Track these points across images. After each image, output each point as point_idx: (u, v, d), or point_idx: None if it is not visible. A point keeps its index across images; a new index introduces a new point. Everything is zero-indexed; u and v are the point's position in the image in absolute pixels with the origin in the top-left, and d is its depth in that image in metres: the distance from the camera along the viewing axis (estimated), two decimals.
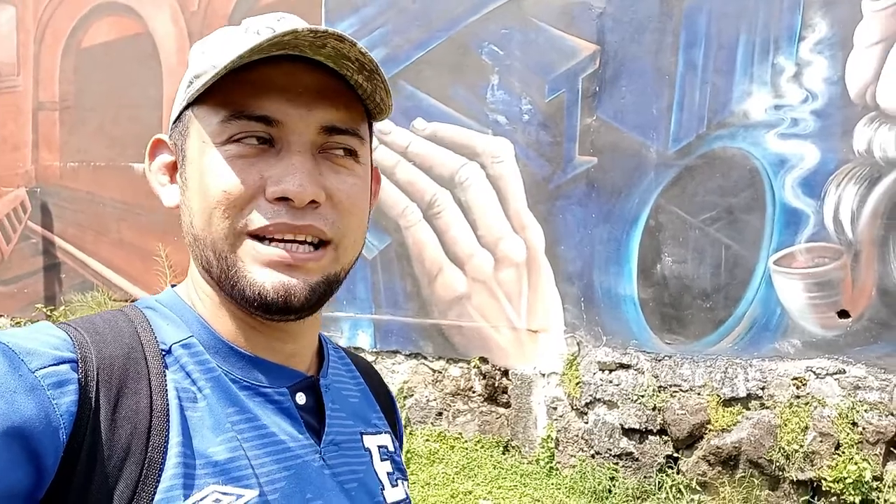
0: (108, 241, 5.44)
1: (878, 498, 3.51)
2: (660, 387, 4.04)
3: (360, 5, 4.72)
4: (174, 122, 0.75)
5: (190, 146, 0.71)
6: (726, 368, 3.95)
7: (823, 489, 3.61)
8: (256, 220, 0.68)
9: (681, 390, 3.99)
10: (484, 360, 4.50)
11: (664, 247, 4.10)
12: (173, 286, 0.79)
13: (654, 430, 3.99)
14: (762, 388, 3.86)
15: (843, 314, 3.78)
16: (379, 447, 0.84)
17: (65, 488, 0.59)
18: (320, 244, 0.71)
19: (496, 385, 4.47)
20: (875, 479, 3.53)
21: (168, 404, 0.65)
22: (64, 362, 0.62)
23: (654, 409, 4.00)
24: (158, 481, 0.61)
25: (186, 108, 0.72)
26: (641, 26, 4.10)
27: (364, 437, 0.82)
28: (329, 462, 0.75)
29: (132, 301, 0.75)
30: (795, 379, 3.82)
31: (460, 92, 4.51)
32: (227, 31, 0.73)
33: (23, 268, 5.74)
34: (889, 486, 3.51)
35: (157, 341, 0.69)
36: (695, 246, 4.04)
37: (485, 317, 4.48)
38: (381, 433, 0.86)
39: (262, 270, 0.68)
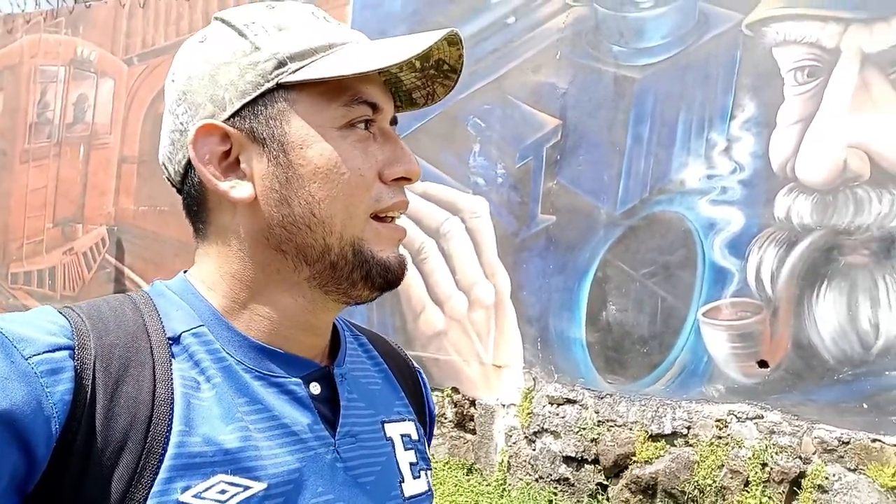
0: (165, 273, 6.07)
1: None
2: (599, 421, 4.20)
3: None
4: (244, 106, 0.66)
5: (295, 132, 0.66)
6: (657, 408, 4.08)
7: None
8: (383, 200, 0.68)
9: (616, 425, 4.14)
10: (455, 390, 4.76)
11: (609, 296, 4.31)
12: (185, 272, 0.74)
13: (589, 460, 4.14)
14: (688, 428, 3.97)
15: (763, 364, 3.87)
16: (402, 435, 0.78)
17: (60, 477, 0.56)
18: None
19: (465, 413, 4.72)
20: None
21: (173, 393, 0.61)
22: (60, 349, 0.58)
23: (591, 440, 4.15)
24: (158, 471, 0.57)
25: (271, 91, 0.66)
26: (598, 105, 4.41)
27: (386, 425, 0.77)
28: (344, 455, 0.69)
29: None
30: (718, 420, 3.91)
31: (449, 157, 4.91)
32: (288, 11, 0.68)
33: (98, 292, 6.43)
34: None
35: (163, 329, 0.65)
36: (635, 297, 4.23)
37: (458, 351, 4.77)
38: (404, 420, 0.80)
39: (387, 248, 0.68)
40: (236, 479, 0.60)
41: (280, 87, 0.65)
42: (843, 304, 3.65)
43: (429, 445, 0.86)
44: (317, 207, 0.66)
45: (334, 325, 0.79)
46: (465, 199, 4.80)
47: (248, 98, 0.66)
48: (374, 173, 0.67)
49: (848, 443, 3.57)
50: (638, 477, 3.90)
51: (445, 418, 4.79)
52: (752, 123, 3.96)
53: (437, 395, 4.84)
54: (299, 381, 0.69)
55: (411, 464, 0.77)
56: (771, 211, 3.87)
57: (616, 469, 4.01)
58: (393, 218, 0.70)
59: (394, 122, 0.72)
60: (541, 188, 4.56)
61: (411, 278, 4.93)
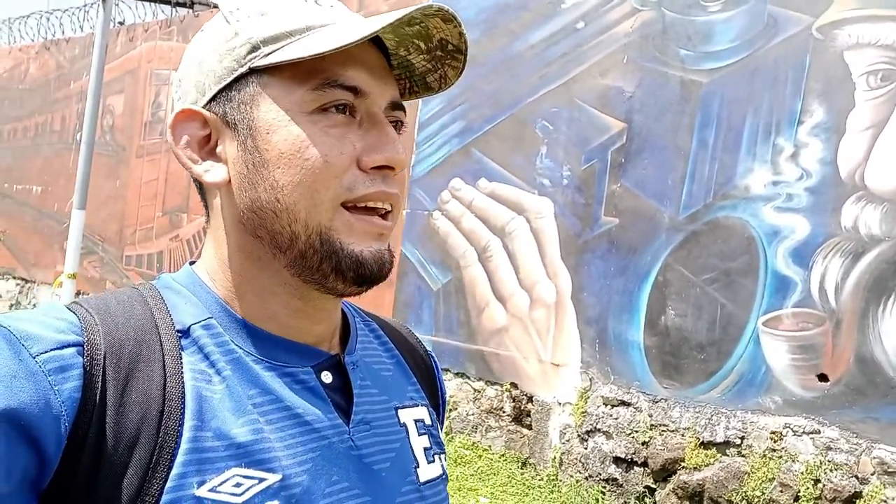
0: None
1: None
2: (651, 425, 4.16)
3: None
4: (219, 91, 0.66)
5: (262, 116, 0.64)
6: (711, 415, 4.00)
7: None
8: (357, 189, 0.64)
9: (668, 430, 4.09)
10: (514, 385, 4.83)
11: (669, 301, 4.25)
12: (192, 263, 0.73)
13: (639, 462, 4.11)
14: (741, 438, 3.87)
15: (823, 378, 3.72)
16: (415, 421, 0.77)
17: (73, 474, 0.55)
18: (386, 213, 0.67)
19: (522, 408, 4.78)
20: None
21: (184, 387, 0.60)
22: (68, 346, 0.57)
23: (643, 443, 4.12)
24: (171, 466, 0.56)
25: (244, 75, 0.64)
26: (663, 108, 4.35)
27: (399, 411, 0.76)
28: (358, 442, 0.68)
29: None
30: (773, 433, 3.80)
31: (517, 159, 4.98)
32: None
33: None
34: None
35: (172, 322, 0.64)
36: (695, 302, 4.16)
37: (518, 348, 4.84)
38: (417, 406, 0.79)
39: (359, 241, 0.64)
40: (251, 472, 0.59)
41: (253, 71, 0.64)
42: None
43: (441, 428, 0.84)
44: (280, 193, 0.63)
45: (343, 313, 0.77)
46: (531, 199, 4.85)
47: (224, 83, 0.65)
48: (348, 160, 0.63)
49: None
50: (685, 483, 3.85)
51: (504, 412, 4.87)
52: (821, 129, 3.80)
53: (496, 389, 4.93)
54: (310, 370, 0.68)
55: (425, 448, 0.76)
56: (838, 220, 3.71)
57: (664, 473, 3.98)
58: (375, 209, 0.65)
59: (395, 107, 0.68)
60: (605, 191, 4.55)
61: (477, 276, 5.04)
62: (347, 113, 0.64)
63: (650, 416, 4.18)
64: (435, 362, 0.90)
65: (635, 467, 4.12)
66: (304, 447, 0.63)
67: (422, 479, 0.74)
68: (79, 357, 0.57)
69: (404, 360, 0.83)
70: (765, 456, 3.76)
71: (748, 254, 3.98)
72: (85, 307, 0.62)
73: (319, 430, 0.65)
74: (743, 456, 3.83)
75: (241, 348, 0.65)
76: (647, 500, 4.01)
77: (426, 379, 0.85)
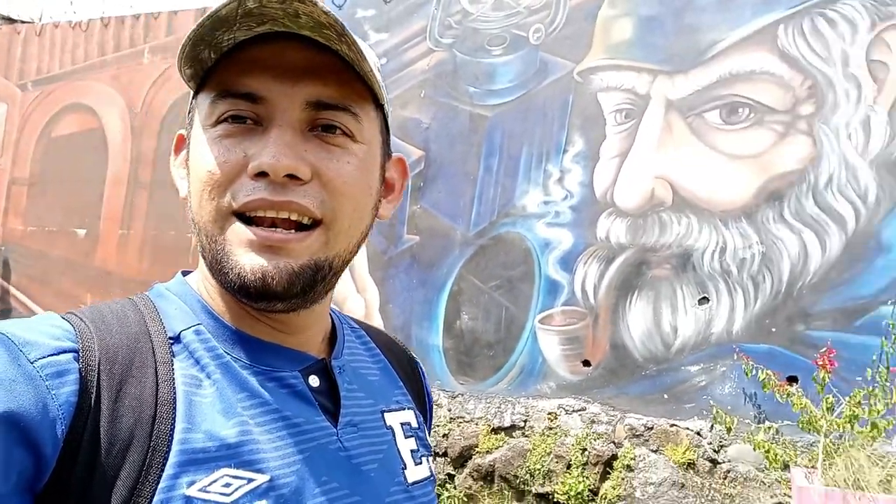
0: (51, 292, 6.23)
1: None
2: (451, 418, 4.67)
3: None
4: (188, 112, 0.71)
5: (192, 134, 0.68)
6: (500, 404, 4.59)
7: (556, 500, 4.19)
8: (238, 197, 0.63)
9: (464, 420, 4.62)
10: None
11: (462, 307, 4.83)
12: (185, 273, 0.75)
13: (440, 453, 4.60)
14: (525, 421, 4.49)
15: (586, 363, 4.46)
16: (402, 424, 0.79)
17: (68, 476, 0.56)
18: (310, 225, 0.65)
19: None
20: (591, 492, 4.12)
21: (175, 392, 0.61)
22: (64, 352, 0.58)
23: (443, 436, 4.62)
24: (163, 468, 0.58)
25: (195, 96, 0.68)
26: (455, 139, 4.99)
27: (385, 414, 0.77)
28: (346, 444, 0.70)
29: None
30: (550, 413, 4.45)
31: None
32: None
33: None
34: (602, 498, 4.09)
35: (164, 329, 0.66)
36: (484, 307, 4.77)
37: None
38: (403, 409, 0.81)
39: (243, 253, 0.63)
40: (239, 472, 0.60)
41: (196, 92, 0.67)
42: (650, 311, 4.29)
43: (429, 432, 0.86)
44: (192, 204, 0.66)
45: (332, 319, 0.79)
46: None
47: (189, 107, 0.70)
48: (235, 169, 0.63)
49: (651, 428, 4.17)
50: (479, 465, 4.38)
51: None
52: (581, 157, 4.61)
53: None
54: (297, 374, 0.69)
55: (412, 451, 0.78)
56: (594, 232, 4.50)
57: (462, 459, 4.48)
58: (263, 222, 0.64)
59: (322, 107, 0.65)
60: (406, 211, 5.07)
61: None
62: (249, 121, 0.64)
63: (449, 410, 4.69)
64: (420, 368, 0.93)
65: (438, 458, 4.59)
66: (292, 448, 0.65)
67: (410, 480, 0.75)
68: (75, 363, 0.58)
69: (391, 365, 0.85)
70: (544, 434, 4.39)
71: (525, 263, 4.67)
72: (78, 316, 0.63)
73: (308, 432, 0.67)
74: (526, 436, 4.44)
75: (229, 353, 0.67)
76: (447, 485, 4.48)
77: (412, 384, 0.87)
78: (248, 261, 0.63)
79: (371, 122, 0.69)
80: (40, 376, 0.56)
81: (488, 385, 4.68)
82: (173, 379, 0.62)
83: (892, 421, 3.23)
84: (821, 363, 3.55)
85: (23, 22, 7.31)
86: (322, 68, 0.65)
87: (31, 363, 0.56)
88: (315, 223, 0.65)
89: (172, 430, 0.60)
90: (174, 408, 0.61)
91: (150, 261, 5.78)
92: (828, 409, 3.33)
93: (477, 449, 4.45)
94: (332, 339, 0.78)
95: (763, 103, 4.14)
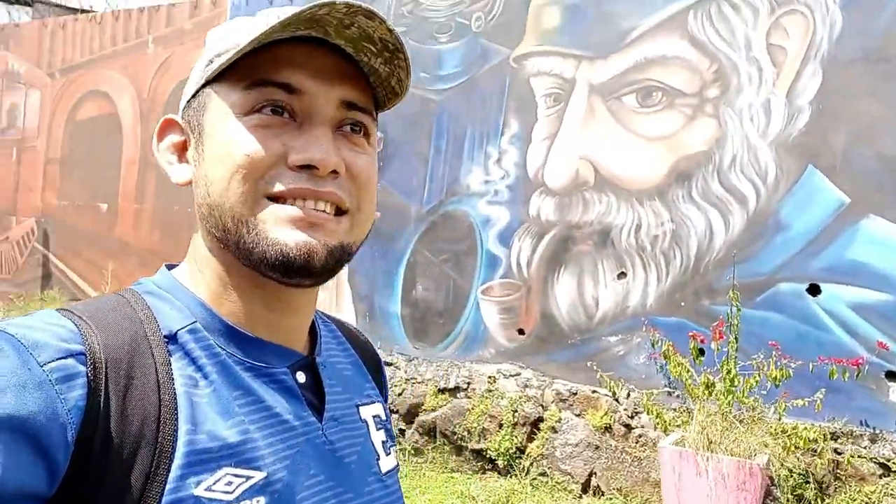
0: (81, 260, 7.12)
1: (520, 464, 4.60)
2: (406, 379, 5.23)
3: None
4: (188, 101, 0.72)
5: (208, 120, 0.68)
6: (447, 368, 5.11)
7: (488, 456, 4.71)
8: (278, 185, 0.65)
9: (416, 382, 5.18)
10: None
11: (418, 278, 5.32)
12: (169, 267, 0.75)
13: (394, 410, 5.19)
14: (468, 384, 5.00)
15: (521, 332, 4.89)
16: (373, 417, 0.82)
17: (79, 481, 0.56)
18: (338, 212, 0.69)
19: None
20: (519, 450, 4.62)
21: (175, 392, 0.63)
22: (71, 355, 0.59)
23: (398, 394, 5.20)
24: (170, 468, 0.59)
25: (203, 86, 0.69)
26: (409, 121, 5.38)
27: (360, 408, 0.80)
28: (330, 438, 0.73)
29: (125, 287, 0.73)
30: (490, 377, 4.94)
31: None
32: (244, 18, 0.70)
33: (30, 275, 7.49)
34: (527, 456, 4.59)
35: (159, 328, 0.66)
36: (435, 278, 5.25)
37: None
38: (374, 402, 0.84)
39: (284, 230, 0.65)
40: (239, 471, 0.63)
41: (209, 82, 0.69)
42: (575, 284, 4.66)
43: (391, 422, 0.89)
44: (211, 188, 0.67)
45: None
46: None
47: (189, 95, 0.71)
48: (274, 157, 0.65)
49: (576, 394, 4.60)
50: (424, 421, 4.95)
51: None
52: (516, 139, 4.93)
53: None
54: (286, 370, 0.72)
55: (383, 442, 0.81)
56: (527, 210, 4.86)
57: (411, 416, 5.06)
58: (303, 200, 0.66)
59: (352, 107, 0.69)
60: None
61: None
62: (285, 115, 0.66)
63: (406, 372, 5.25)
64: (381, 360, 0.95)
65: (393, 415, 5.18)
66: (284, 444, 0.67)
67: (383, 470, 0.79)
68: (81, 366, 0.58)
69: (359, 359, 0.87)
70: (483, 396, 4.90)
71: (470, 238, 5.09)
72: (79, 315, 0.63)
73: (297, 428, 0.69)
74: (468, 398, 4.96)
75: (224, 350, 0.68)
76: (399, 439, 5.09)
77: (377, 376, 0.89)
78: (290, 237, 0.65)
79: (375, 129, 0.75)
80: (50, 381, 0.56)
81: (439, 350, 5.20)
82: (173, 379, 0.63)
83: (751, 384, 3.57)
84: (713, 335, 3.87)
85: (83, 11, 8.03)
86: (349, 74, 0.69)
87: (41, 367, 0.56)
88: (342, 212, 0.69)
89: (176, 430, 0.61)
90: (176, 408, 0.62)
91: (161, 233, 6.52)
92: (706, 382, 3.68)
93: (423, 407, 5.01)
94: (312, 334, 0.80)
95: (674, 87, 4.34)
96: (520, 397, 4.75)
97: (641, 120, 4.45)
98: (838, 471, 3.72)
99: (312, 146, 0.66)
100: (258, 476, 0.64)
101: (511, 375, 4.87)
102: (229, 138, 0.66)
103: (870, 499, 3.56)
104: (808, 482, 3.72)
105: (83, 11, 7.74)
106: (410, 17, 5.39)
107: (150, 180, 6.62)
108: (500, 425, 4.71)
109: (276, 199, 0.66)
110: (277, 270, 0.66)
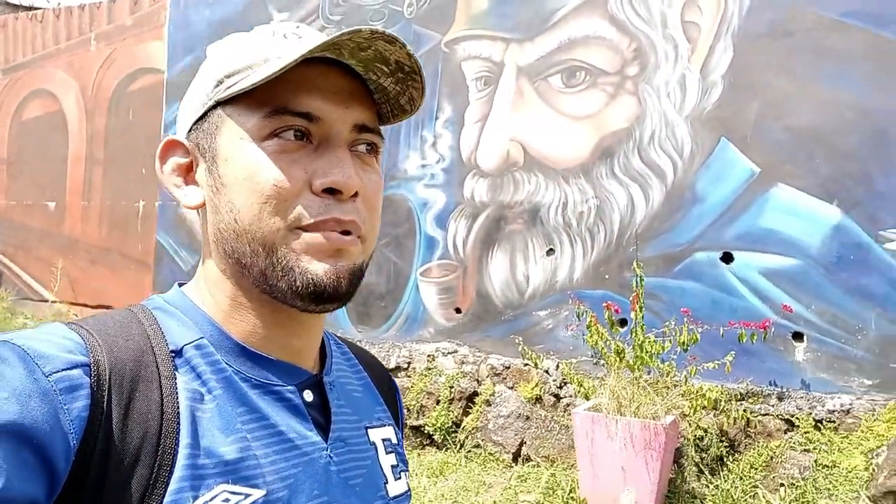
0: (32, 258, 7.13)
1: (456, 438, 4.72)
2: None
3: None
4: (195, 122, 0.71)
5: (223, 144, 0.68)
6: (389, 348, 5.22)
7: (426, 432, 4.83)
8: (307, 215, 0.66)
9: None
10: None
11: None
12: (181, 285, 0.76)
13: None
14: (409, 363, 5.11)
15: (458, 311, 5.01)
16: (383, 440, 0.82)
17: (79, 490, 0.57)
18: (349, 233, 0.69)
19: None
20: (455, 424, 4.74)
21: (178, 407, 0.63)
22: (76, 367, 0.59)
23: None
24: (168, 483, 0.60)
25: (214, 107, 0.69)
26: None
27: (369, 430, 0.80)
28: (336, 459, 0.73)
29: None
30: (429, 356, 5.06)
31: None
32: (249, 35, 0.70)
33: None
34: (462, 430, 4.71)
35: (166, 343, 0.67)
36: (377, 262, 5.35)
37: None
38: (385, 426, 0.84)
39: (311, 260, 0.66)
40: (237, 488, 0.63)
41: (219, 103, 0.69)
42: (507, 262, 4.80)
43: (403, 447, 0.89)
44: (238, 215, 0.67)
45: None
46: None
47: (197, 116, 0.71)
48: (300, 184, 0.66)
49: (509, 367, 4.73)
50: None
51: None
52: (450, 123, 5.06)
53: None
54: (294, 389, 0.72)
55: (392, 466, 0.81)
56: (462, 192, 4.98)
57: None
58: (329, 227, 0.67)
59: (364, 130, 0.70)
60: None
61: None
62: (304, 139, 0.67)
63: None
64: (395, 384, 0.94)
65: None
66: (287, 463, 0.67)
67: (391, 495, 0.78)
68: (86, 377, 0.59)
69: (372, 382, 0.87)
70: (422, 374, 5.01)
71: (409, 221, 5.21)
72: (85, 328, 0.64)
73: (301, 447, 0.69)
74: (409, 377, 5.07)
75: (230, 366, 0.68)
76: None
77: (389, 400, 0.89)
78: (319, 267, 0.66)
79: (383, 144, 0.75)
80: (54, 391, 0.57)
81: (381, 332, 5.31)
82: (176, 393, 0.64)
83: (658, 350, 3.72)
84: (631, 305, 4.02)
85: (29, 8, 8.02)
86: (361, 94, 0.70)
87: (47, 377, 0.57)
88: (358, 234, 0.69)
89: (177, 444, 0.61)
90: (178, 423, 0.62)
91: (109, 229, 6.56)
92: (616, 349, 3.82)
93: None
94: (321, 353, 0.80)
95: (596, 66, 4.49)
96: (457, 374, 4.87)
97: (567, 100, 4.59)
98: (749, 428, 3.88)
99: (335, 169, 0.66)
100: (257, 494, 0.64)
101: (449, 353, 4.99)
102: (252, 165, 0.66)
103: (774, 453, 3.73)
104: (722, 441, 3.88)
105: (28, 9, 7.73)
106: (345, 4, 5.49)
107: (97, 177, 6.65)
108: (438, 401, 4.83)
109: (305, 228, 0.67)
110: (306, 299, 0.67)
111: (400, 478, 0.81)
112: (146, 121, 6.32)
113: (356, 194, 0.68)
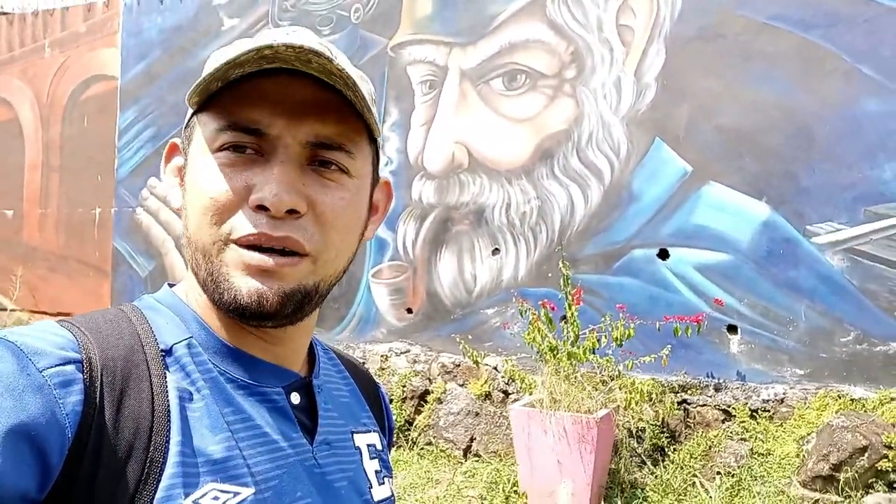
0: None
1: (409, 436, 4.81)
2: None
3: None
4: (185, 126, 0.72)
5: (192, 151, 0.69)
6: (344, 349, 5.28)
7: None
8: (240, 229, 0.65)
9: None
10: None
11: None
12: (171, 285, 0.76)
13: None
14: (362, 363, 5.19)
15: (409, 311, 5.10)
16: (368, 445, 0.82)
17: (69, 487, 0.57)
18: (300, 253, 0.67)
19: None
20: (408, 423, 4.84)
21: (169, 404, 0.63)
22: (70, 362, 0.60)
23: None
24: (159, 480, 0.60)
25: (194, 113, 0.70)
26: None
27: (355, 435, 0.81)
28: (321, 461, 0.73)
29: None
30: (383, 356, 5.14)
31: None
32: (237, 42, 0.67)
33: None
34: (415, 428, 4.81)
35: (156, 342, 0.67)
36: None
37: None
38: (370, 432, 0.84)
39: (239, 276, 0.66)
40: (226, 487, 0.63)
41: (196, 111, 0.69)
42: (455, 262, 4.89)
43: (389, 451, 0.89)
44: (188, 222, 0.68)
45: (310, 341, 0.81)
46: None
47: (186, 120, 0.72)
48: (236, 198, 0.65)
49: (459, 365, 4.83)
50: None
51: None
52: (397, 126, 5.14)
53: None
54: (281, 390, 0.72)
55: (376, 471, 0.81)
56: (410, 194, 5.07)
57: None
58: (259, 246, 0.65)
59: (322, 146, 0.67)
60: None
61: (175, 260, 6.06)
62: (247, 151, 0.66)
63: None
64: (382, 392, 0.94)
65: None
66: (272, 464, 0.67)
67: (375, 499, 0.79)
68: (79, 373, 0.60)
69: (358, 388, 0.88)
70: (376, 374, 5.10)
71: None
72: (77, 326, 0.65)
73: (285, 449, 0.69)
74: None
75: (218, 367, 0.69)
76: None
77: (375, 407, 0.90)
78: (244, 283, 0.65)
79: (364, 157, 0.72)
80: (48, 385, 0.57)
81: (335, 333, 5.38)
82: (167, 391, 0.64)
83: (591, 346, 3.83)
84: (569, 302, 4.12)
85: None
86: (324, 104, 0.66)
87: (40, 372, 0.57)
88: (304, 254, 0.67)
89: (168, 441, 0.61)
90: (169, 420, 0.62)
91: (66, 236, 6.58)
92: (550, 345, 3.92)
93: None
94: (310, 358, 0.81)
95: (536, 69, 4.59)
96: (409, 373, 4.96)
97: (508, 102, 4.68)
98: (688, 419, 4.01)
99: (266, 186, 0.65)
100: (246, 493, 0.64)
101: (401, 353, 5.08)
102: (200, 176, 0.67)
103: (712, 442, 3.86)
104: (663, 431, 4.00)
105: None
106: (294, 10, 5.55)
107: (54, 184, 6.66)
108: (391, 400, 4.92)
109: (237, 242, 0.66)
110: (233, 314, 0.67)
111: (384, 483, 0.82)
112: (100, 128, 6.34)
113: (295, 211, 0.66)
